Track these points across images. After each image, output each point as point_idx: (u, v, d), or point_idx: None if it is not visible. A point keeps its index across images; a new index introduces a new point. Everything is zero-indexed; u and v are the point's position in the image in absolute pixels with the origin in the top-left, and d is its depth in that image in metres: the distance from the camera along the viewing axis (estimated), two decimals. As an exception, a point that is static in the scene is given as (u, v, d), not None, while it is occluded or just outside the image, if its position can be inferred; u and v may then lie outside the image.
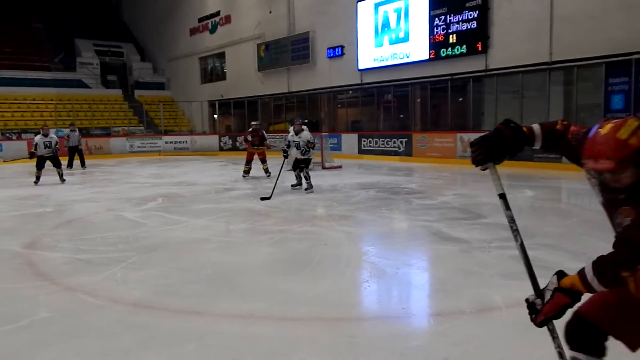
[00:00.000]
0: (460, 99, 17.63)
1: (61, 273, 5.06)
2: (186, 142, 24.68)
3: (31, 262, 5.47)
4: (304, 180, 10.36)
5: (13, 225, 7.60)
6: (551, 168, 13.15)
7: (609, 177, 1.87)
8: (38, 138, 12.78)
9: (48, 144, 12.63)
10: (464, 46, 15.87)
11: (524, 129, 2.17)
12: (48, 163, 12.63)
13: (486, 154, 2.18)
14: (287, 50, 22.67)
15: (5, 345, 3.41)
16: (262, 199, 9.26)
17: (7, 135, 23.24)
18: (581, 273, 1.99)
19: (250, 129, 13.38)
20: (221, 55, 27.76)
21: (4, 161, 17.08)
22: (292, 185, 10.58)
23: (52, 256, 5.71)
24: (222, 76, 28.11)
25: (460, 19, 15.89)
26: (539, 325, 2.09)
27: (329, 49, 20.84)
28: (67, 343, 3.43)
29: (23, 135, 23.25)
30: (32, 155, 12.62)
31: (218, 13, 27.18)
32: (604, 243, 2.16)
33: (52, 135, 13.10)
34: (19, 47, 29.32)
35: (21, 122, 24.79)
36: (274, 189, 9.61)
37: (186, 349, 3.27)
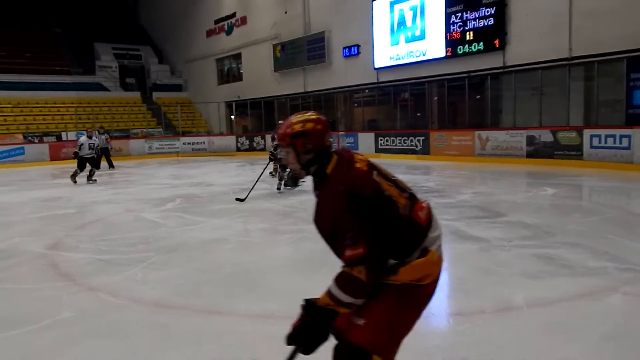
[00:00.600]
0: (478, 97, 17.50)
1: (83, 273, 5.13)
2: (204, 143, 24.86)
3: (54, 262, 5.55)
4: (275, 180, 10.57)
5: (36, 226, 7.73)
6: (572, 165, 13.01)
7: (284, 157, 2.22)
8: (84, 139, 13.23)
9: (92, 146, 13.10)
10: (481, 43, 15.75)
11: (322, 301, 2.07)
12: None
13: (308, 349, 2.09)
14: (303, 50, 22.69)
15: (30, 344, 3.47)
16: (237, 199, 9.27)
17: (30, 138, 23.61)
18: (328, 290, 2.02)
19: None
20: (237, 57, 27.88)
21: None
22: (286, 186, 10.51)
23: (75, 257, 5.80)
24: (238, 77, 28.24)
25: (477, 15, 15.76)
26: (286, 342, 2.09)
27: (344, 48, 20.81)
28: (89, 342, 3.48)
29: (45, 139, 23.62)
30: (75, 155, 13.09)
31: (234, 14, 27.31)
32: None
33: (95, 138, 13.64)
34: (40, 51, 29.77)
35: (43, 125, 25.17)
36: (250, 190, 9.57)
37: (206, 348, 3.30)
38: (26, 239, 6.75)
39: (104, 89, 29.47)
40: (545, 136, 13.91)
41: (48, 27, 32.68)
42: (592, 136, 12.93)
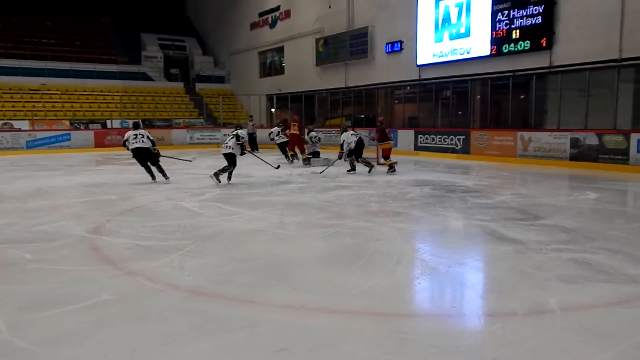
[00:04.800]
0: (522, 97, 17.17)
1: (123, 258, 5.29)
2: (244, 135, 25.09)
3: (96, 246, 5.74)
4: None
5: (80, 211, 7.98)
6: (617, 170, 12.65)
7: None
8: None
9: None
10: (528, 42, 15.43)
11: None
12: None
13: None
14: (345, 45, 22.67)
15: (71, 323, 3.61)
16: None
17: (76, 125, 24.33)
18: None
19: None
20: (280, 50, 28.06)
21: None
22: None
23: (115, 242, 5.97)
24: (280, 70, 28.42)
25: (524, 13, 15.45)
26: None
27: (387, 44, 20.71)
28: (127, 324, 3.60)
29: (90, 126, 24.30)
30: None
31: (278, 8, 27.48)
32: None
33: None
34: (89, 40, 30.65)
35: (89, 112, 25.91)
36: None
37: (238, 335, 3.37)
38: (70, 223, 7.00)
39: (149, 78, 30.11)
40: (590, 139, 13.56)
41: (98, 17, 33.60)
42: (639, 140, 12.54)
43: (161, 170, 11.41)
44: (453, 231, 6.97)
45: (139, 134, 11.20)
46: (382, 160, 15.13)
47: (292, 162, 15.45)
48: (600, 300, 3.97)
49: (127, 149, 11.27)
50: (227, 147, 11.29)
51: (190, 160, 12.37)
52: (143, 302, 4.02)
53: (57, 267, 5.00)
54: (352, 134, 12.92)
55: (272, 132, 17.24)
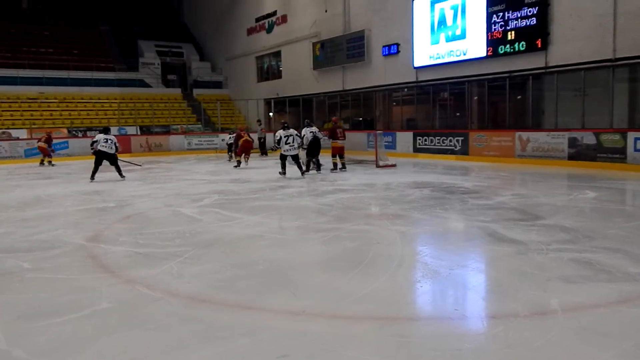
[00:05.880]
0: (519, 97, 17.18)
1: (121, 266, 5.25)
2: (242, 140, 25.09)
3: (94, 254, 5.71)
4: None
5: (77, 219, 7.95)
6: (616, 169, 12.65)
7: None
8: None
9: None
10: (523, 43, 15.46)
11: None
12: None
13: None
14: (342, 49, 22.69)
15: (70, 332, 3.58)
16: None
17: (74, 132, 24.32)
18: None
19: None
20: (277, 54, 28.08)
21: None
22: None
23: (113, 249, 5.94)
24: (278, 75, 28.44)
25: (519, 15, 15.48)
26: None
27: (384, 46, 20.73)
28: (127, 333, 3.56)
29: (88, 133, 24.27)
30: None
31: (275, 13, 27.51)
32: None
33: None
34: (87, 48, 30.68)
35: (87, 120, 25.90)
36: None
37: (239, 342, 3.34)
38: (68, 231, 6.97)
39: (146, 85, 30.13)
40: (588, 138, 13.55)
41: (95, 25, 33.64)
42: (636, 139, 12.54)
43: (118, 170, 13.06)
44: (454, 233, 6.94)
45: (110, 140, 12.92)
46: (380, 163, 15.13)
47: (239, 166, 16.19)
48: (602, 300, 3.95)
49: (94, 150, 12.74)
50: (294, 148, 12.86)
51: (140, 165, 14.12)
52: (142, 310, 3.99)
53: (55, 275, 4.98)
54: (310, 132, 13.64)
55: (231, 137, 19.08)
